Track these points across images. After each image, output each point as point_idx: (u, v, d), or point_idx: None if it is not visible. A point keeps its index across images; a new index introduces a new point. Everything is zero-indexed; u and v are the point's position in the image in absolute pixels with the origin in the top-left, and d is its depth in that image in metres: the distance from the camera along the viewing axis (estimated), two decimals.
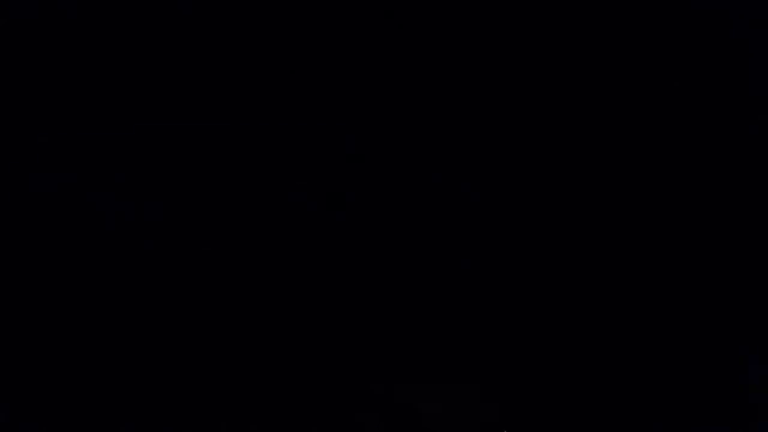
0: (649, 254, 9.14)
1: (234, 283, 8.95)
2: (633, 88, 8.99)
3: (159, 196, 8.92)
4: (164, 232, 8.94)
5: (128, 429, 8.59)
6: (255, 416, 8.78)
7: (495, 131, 9.11)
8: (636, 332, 9.13)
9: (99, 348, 8.79)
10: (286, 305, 9.00)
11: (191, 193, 8.97)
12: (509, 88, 9.01)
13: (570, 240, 9.18)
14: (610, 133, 9.09)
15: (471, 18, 8.85)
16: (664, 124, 9.03)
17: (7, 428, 8.40)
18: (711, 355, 9.02)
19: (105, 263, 8.88)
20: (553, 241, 9.20)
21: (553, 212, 9.16)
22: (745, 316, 8.96)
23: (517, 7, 8.87)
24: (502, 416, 9.24)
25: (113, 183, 8.88)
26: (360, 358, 9.06)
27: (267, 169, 9.02)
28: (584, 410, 9.12)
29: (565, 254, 9.24)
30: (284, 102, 9.02)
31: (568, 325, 9.19)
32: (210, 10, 8.76)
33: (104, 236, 8.89)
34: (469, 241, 9.14)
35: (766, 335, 8.93)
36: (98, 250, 8.87)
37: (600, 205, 9.15)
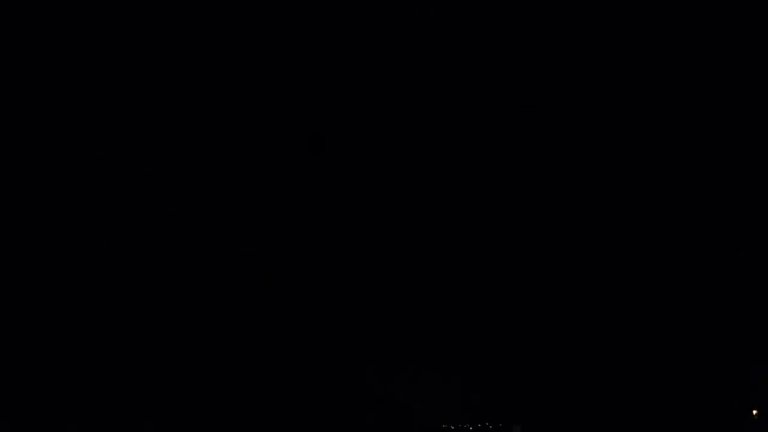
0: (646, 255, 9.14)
1: (234, 283, 8.96)
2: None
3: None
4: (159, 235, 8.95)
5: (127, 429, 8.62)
6: (255, 416, 8.79)
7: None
8: (631, 331, 9.16)
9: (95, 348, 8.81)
10: (286, 306, 9.01)
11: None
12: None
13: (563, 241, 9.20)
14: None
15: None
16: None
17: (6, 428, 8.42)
18: (712, 356, 9.03)
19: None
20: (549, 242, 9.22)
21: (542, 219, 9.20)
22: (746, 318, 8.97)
23: None
24: (489, 408, 9.30)
25: None
26: (358, 357, 9.08)
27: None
28: (578, 406, 9.14)
29: (559, 253, 9.25)
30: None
31: (564, 324, 9.22)
32: None
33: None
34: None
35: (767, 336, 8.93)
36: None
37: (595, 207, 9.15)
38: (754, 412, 8.88)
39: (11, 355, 8.64)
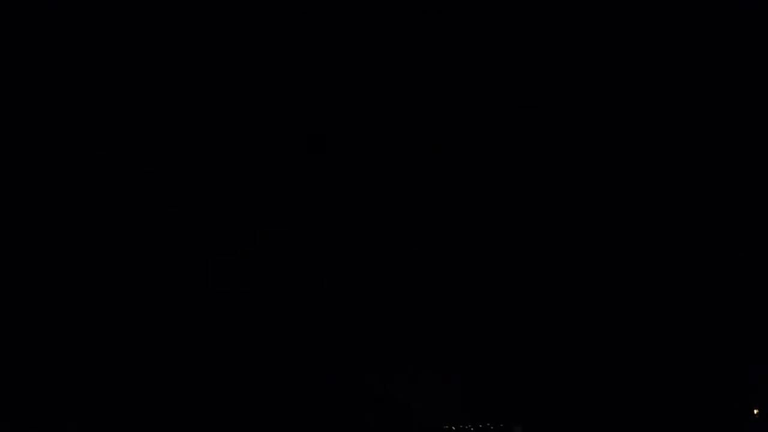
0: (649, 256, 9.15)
1: (235, 285, 8.96)
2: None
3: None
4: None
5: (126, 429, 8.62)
6: (255, 416, 8.79)
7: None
8: (631, 331, 9.16)
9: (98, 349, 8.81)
10: (287, 307, 9.02)
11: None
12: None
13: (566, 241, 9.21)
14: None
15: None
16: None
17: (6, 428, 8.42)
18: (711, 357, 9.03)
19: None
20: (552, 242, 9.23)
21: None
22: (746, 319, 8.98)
23: None
24: (488, 410, 9.30)
25: None
26: (358, 358, 9.09)
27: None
28: (579, 406, 9.14)
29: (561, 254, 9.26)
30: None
31: (565, 325, 9.22)
32: None
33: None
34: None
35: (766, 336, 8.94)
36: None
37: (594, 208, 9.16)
38: (755, 411, 8.89)
39: (11, 355, 8.64)
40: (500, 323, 9.37)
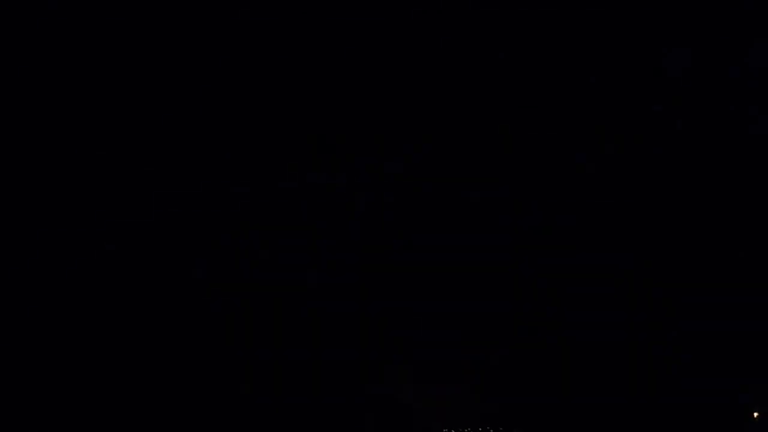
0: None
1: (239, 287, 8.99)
2: None
3: None
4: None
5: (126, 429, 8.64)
6: (254, 416, 8.80)
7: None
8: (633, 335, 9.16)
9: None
10: (284, 306, 9.04)
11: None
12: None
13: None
14: None
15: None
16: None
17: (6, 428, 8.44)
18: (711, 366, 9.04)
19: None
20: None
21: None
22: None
23: None
24: (490, 414, 9.29)
25: None
26: (357, 360, 9.09)
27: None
28: (579, 407, 9.15)
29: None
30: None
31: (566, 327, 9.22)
32: None
33: None
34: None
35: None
36: None
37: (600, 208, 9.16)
38: (755, 414, 8.88)
39: (11, 355, 8.67)
40: (501, 324, 9.35)
